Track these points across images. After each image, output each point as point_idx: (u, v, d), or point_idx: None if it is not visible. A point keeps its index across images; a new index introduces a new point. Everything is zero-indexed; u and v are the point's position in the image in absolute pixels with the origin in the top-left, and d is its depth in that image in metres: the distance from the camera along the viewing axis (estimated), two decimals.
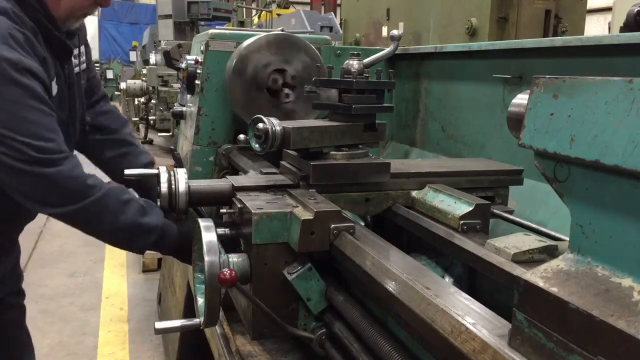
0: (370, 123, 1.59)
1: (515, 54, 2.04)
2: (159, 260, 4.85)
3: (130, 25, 22.84)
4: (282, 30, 2.26)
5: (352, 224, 1.30)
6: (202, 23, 8.72)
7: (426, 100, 2.67)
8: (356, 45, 7.09)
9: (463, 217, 1.33)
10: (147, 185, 1.91)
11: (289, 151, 1.62)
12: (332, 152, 1.57)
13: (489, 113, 2.21)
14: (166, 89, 6.62)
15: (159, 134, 6.14)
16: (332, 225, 1.28)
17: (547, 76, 0.73)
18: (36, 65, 1.61)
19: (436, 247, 1.39)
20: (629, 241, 0.63)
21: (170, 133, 5.97)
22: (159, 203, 1.61)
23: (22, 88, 1.55)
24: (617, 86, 0.62)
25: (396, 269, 1.04)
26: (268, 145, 1.50)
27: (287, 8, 13.56)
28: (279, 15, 11.65)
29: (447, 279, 1.36)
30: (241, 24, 11.20)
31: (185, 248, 1.58)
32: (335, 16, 10.81)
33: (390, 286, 1.01)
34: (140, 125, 7.39)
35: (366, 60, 1.61)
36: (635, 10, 3.91)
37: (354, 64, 1.58)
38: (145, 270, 5.15)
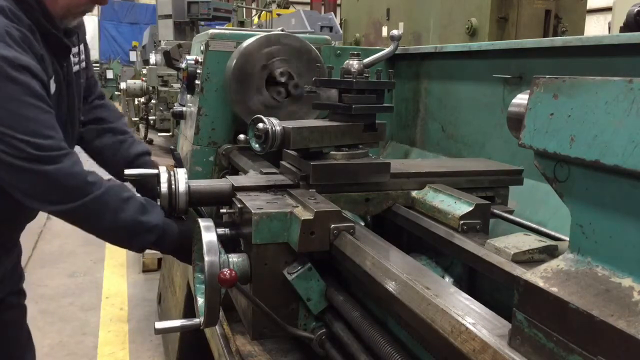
0: (370, 123, 1.59)
1: (515, 54, 2.04)
2: (159, 260, 4.84)
3: (130, 25, 22.84)
4: (282, 30, 2.26)
5: (352, 224, 1.30)
6: (202, 23, 8.72)
7: (426, 100, 2.67)
8: (356, 45, 7.09)
9: (463, 217, 1.34)
10: (148, 186, 1.91)
11: (289, 151, 1.62)
12: (332, 152, 1.57)
13: (489, 113, 2.21)
14: (166, 89, 6.62)
15: (159, 134, 6.13)
16: (332, 225, 1.28)
17: (547, 76, 0.73)
18: (34, 63, 1.60)
19: (436, 247, 1.39)
20: (629, 241, 0.63)
21: (170, 133, 5.97)
22: (158, 203, 1.61)
23: (20, 85, 1.54)
24: (617, 86, 0.62)
25: (396, 269, 1.04)
26: (268, 145, 1.50)
27: (287, 8, 13.55)
28: (279, 15, 11.65)
29: (447, 279, 1.36)
30: (241, 24, 11.20)
31: (186, 248, 1.58)
32: (335, 16, 10.81)
33: (390, 286, 1.01)
34: (140, 125, 7.39)
35: (366, 60, 1.61)
36: (635, 10, 3.92)
37: (354, 64, 1.58)
38: (145, 270, 5.15)
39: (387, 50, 1.71)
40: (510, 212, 1.59)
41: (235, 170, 2.17)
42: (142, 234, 1.66)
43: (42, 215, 1.86)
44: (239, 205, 1.40)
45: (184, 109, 2.70)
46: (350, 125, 1.57)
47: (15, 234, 2.02)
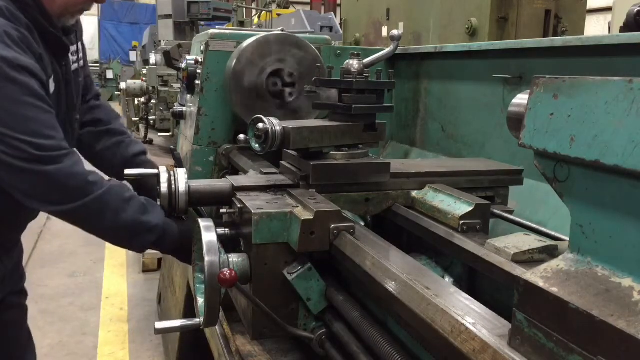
0: (370, 123, 1.59)
1: (515, 54, 2.04)
2: (159, 260, 4.85)
3: (130, 25, 22.83)
4: (282, 31, 2.26)
5: (352, 224, 1.30)
6: (202, 23, 8.72)
7: (426, 100, 2.67)
8: (356, 45, 7.09)
9: (463, 217, 1.34)
10: (147, 186, 1.91)
11: (289, 151, 1.62)
12: (332, 152, 1.57)
13: (489, 113, 2.21)
14: (166, 89, 6.61)
15: (159, 134, 6.13)
16: (332, 225, 1.28)
17: (547, 76, 0.73)
18: (33, 63, 1.60)
19: (436, 247, 1.39)
20: (629, 241, 0.63)
21: (170, 133, 5.97)
22: (158, 203, 1.60)
23: (19, 86, 1.54)
24: (617, 86, 0.62)
25: (396, 269, 1.04)
26: (268, 145, 1.50)
27: (287, 8, 13.55)
28: (279, 15, 11.65)
29: (447, 279, 1.36)
30: (241, 24, 11.19)
31: (186, 248, 1.58)
32: (335, 16, 10.81)
33: (390, 286, 1.01)
34: (140, 125, 7.38)
35: (366, 60, 1.61)
36: (635, 10, 3.92)
37: (354, 64, 1.58)
38: (145, 270, 5.15)
39: (387, 50, 1.71)
40: (510, 212, 1.59)
41: (235, 170, 2.17)
42: (143, 234, 1.66)
43: (42, 215, 1.86)
44: (239, 205, 1.40)
45: (184, 109, 2.70)
46: (350, 125, 1.57)
47: (15, 234, 2.02)
